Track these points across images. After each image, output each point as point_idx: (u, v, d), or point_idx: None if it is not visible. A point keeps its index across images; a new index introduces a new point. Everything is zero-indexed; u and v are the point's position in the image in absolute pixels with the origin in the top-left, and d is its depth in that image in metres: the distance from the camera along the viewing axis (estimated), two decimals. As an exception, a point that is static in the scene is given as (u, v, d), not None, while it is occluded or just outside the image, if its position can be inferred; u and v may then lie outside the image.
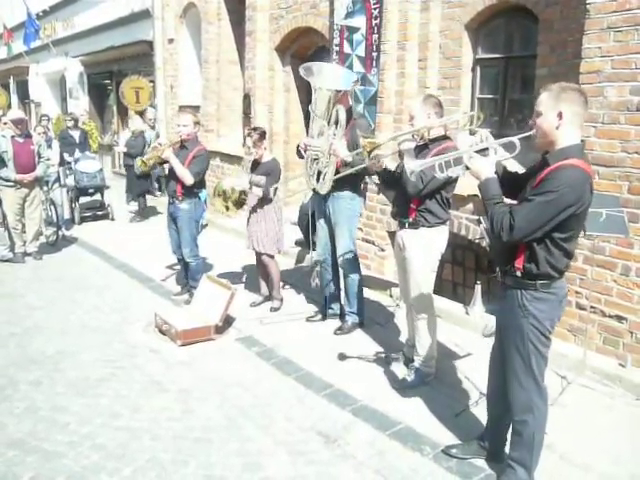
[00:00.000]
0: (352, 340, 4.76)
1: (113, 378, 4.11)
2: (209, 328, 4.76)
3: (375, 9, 6.18)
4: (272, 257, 5.37)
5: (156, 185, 10.97)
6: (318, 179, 4.47)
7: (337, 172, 4.36)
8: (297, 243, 7.22)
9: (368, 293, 5.20)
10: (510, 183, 2.79)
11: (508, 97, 5.61)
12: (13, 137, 6.70)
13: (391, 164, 4.10)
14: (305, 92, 8.24)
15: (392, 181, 3.89)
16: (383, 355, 4.37)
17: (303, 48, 8.36)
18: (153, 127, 11.09)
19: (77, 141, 10.73)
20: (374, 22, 6.22)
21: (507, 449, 2.99)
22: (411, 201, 3.78)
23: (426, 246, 3.81)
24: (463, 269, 5.99)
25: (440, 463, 3.13)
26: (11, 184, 6.72)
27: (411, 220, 3.81)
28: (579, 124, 2.58)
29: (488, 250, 5.25)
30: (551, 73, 4.82)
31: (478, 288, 5.10)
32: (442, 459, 3.16)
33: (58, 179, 9.11)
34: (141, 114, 11.65)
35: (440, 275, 5.48)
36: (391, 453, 3.24)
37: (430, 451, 3.23)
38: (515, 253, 2.63)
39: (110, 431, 3.44)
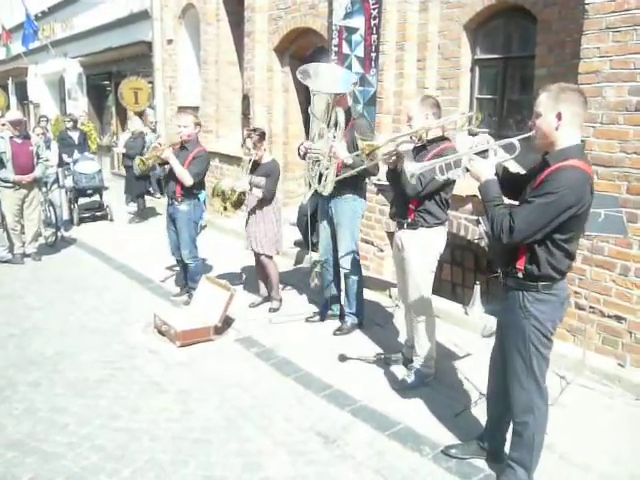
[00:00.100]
0: (351, 341, 4.76)
1: (112, 379, 4.11)
2: (208, 329, 4.76)
3: (374, 9, 6.18)
4: (271, 258, 5.38)
5: (156, 187, 10.95)
6: (320, 181, 4.47)
7: (339, 174, 4.36)
8: (296, 244, 7.22)
9: (367, 293, 5.21)
10: (510, 184, 2.79)
11: (507, 97, 5.61)
12: (12, 138, 6.70)
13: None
14: (304, 93, 8.23)
15: (397, 180, 3.88)
16: (382, 356, 4.37)
17: (302, 49, 8.37)
18: (154, 130, 11.08)
19: (76, 142, 10.72)
20: (373, 22, 6.23)
21: (507, 449, 2.99)
22: (410, 202, 3.78)
23: (425, 246, 3.81)
24: (462, 269, 5.99)
25: (439, 463, 3.13)
26: (10, 185, 6.71)
27: (410, 221, 3.81)
28: (579, 124, 2.58)
29: (487, 250, 5.26)
30: (550, 73, 4.82)
31: (477, 288, 5.10)
32: (441, 459, 3.16)
33: (57, 180, 9.10)
34: (140, 115, 11.65)
35: (439, 275, 5.49)
36: (390, 453, 3.24)
37: (429, 451, 3.23)
38: (516, 254, 2.63)
39: (109, 432, 3.43)
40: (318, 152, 4.40)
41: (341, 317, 5.05)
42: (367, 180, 4.88)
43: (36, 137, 7.93)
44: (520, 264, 2.61)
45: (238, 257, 6.69)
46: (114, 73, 14.17)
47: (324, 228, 4.91)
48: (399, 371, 4.16)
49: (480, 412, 3.47)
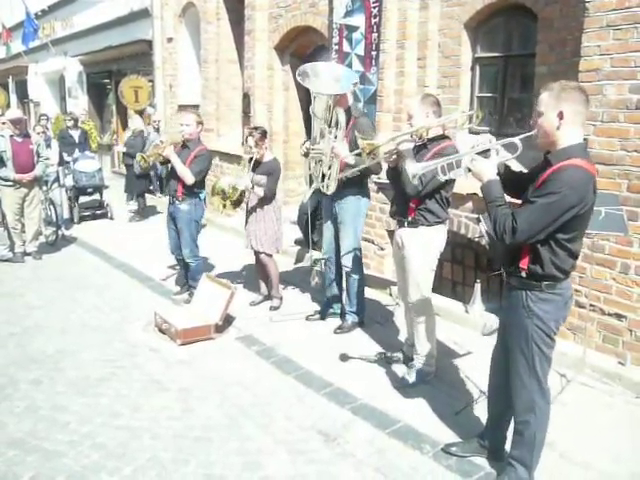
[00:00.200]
0: (352, 339, 4.76)
1: (113, 377, 4.11)
2: (209, 327, 4.76)
3: (374, 8, 6.18)
4: (270, 256, 5.38)
5: (157, 185, 10.94)
6: (323, 180, 4.48)
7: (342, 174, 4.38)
8: (297, 242, 7.22)
9: (368, 292, 5.20)
10: (512, 183, 2.78)
11: (507, 96, 5.60)
12: (12, 137, 6.70)
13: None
14: (304, 91, 8.19)
15: (397, 178, 3.88)
16: (383, 355, 4.37)
17: (302, 47, 8.36)
18: (158, 129, 11.07)
19: (77, 141, 10.71)
20: (373, 21, 6.22)
21: (507, 447, 2.99)
22: (410, 200, 3.77)
23: (425, 245, 3.81)
24: (462, 268, 5.99)
25: (440, 461, 3.13)
26: (10, 184, 6.72)
27: (410, 219, 3.81)
28: (581, 123, 2.56)
29: (487, 249, 5.26)
30: (550, 71, 4.82)
31: (477, 287, 5.10)
32: (442, 457, 3.16)
33: (57, 179, 9.10)
34: (141, 113, 11.64)
35: (439, 274, 5.49)
36: (391, 451, 3.24)
37: (430, 449, 3.23)
38: (520, 254, 2.61)
39: (110, 430, 3.44)
40: (320, 152, 4.40)
41: (342, 315, 5.05)
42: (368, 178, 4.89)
43: (36, 136, 7.94)
44: (523, 264, 2.60)
45: (238, 255, 6.69)
46: (114, 71, 14.17)
47: (328, 227, 4.92)
48: (399, 369, 4.16)
49: (481, 410, 3.48)
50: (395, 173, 3.76)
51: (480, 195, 2.74)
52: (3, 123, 6.81)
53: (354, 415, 3.60)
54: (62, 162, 9.85)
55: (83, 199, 9.55)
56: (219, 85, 10.03)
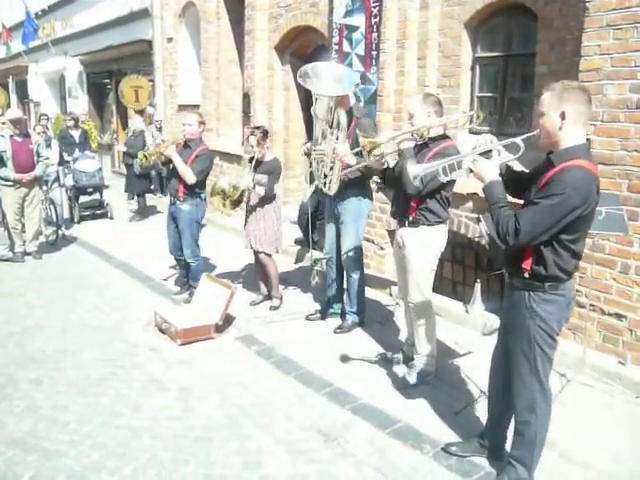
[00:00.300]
0: (352, 339, 4.76)
1: (113, 377, 4.11)
2: (209, 327, 4.76)
3: (374, 7, 6.17)
4: (270, 256, 5.37)
5: (158, 185, 10.94)
6: (325, 181, 4.48)
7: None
8: (297, 242, 7.22)
9: (368, 292, 5.20)
10: (514, 183, 2.77)
11: (507, 95, 5.60)
12: (12, 136, 6.70)
13: (392, 163, 4.10)
14: (304, 91, 8.21)
15: (393, 180, 3.89)
16: (383, 355, 4.36)
17: (302, 47, 8.36)
18: (160, 129, 11.06)
19: (77, 141, 10.72)
20: (373, 20, 6.22)
21: (507, 447, 2.99)
22: (411, 200, 3.77)
23: (426, 244, 3.81)
24: (463, 267, 5.99)
25: (440, 461, 3.13)
26: (10, 183, 6.72)
27: (411, 219, 3.81)
28: (583, 123, 2.54)
29: (487, 248, 5.26)
30: (550, 71, 4.82)
31: (478, 286, 5.10)
32: (442, 457, 3.16)
33: (57, 178, 9.11)
34: (141, 113, 11.64)
35: (440, 273, 5.49)
36: (391, 451, 3.24)
37: (430, 449, 3.23)
38: (522, 255, 2.60)
39: (110, 430, 3.44)
40: (322, 153, 4.40)
41: (342, 315, 5.05)
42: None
43: (36, 135, 7.93)
44: (526, 264, 2.59)
45: (238, 255, 6.69)
46: (114, 71, 14.16)
47: (330, 228, 4.92)
48: (400, 369, 4.16)
49: (481, 410, 3.48)
50: (390, 173, 3.78)
51: (480, 195, 2.73)
52: (3, 123, 6.82)
53: (354, 415, 3.60)
54: (62, 162, 9.85)
55: (83, 199, 9.55)
56: (219, 85, 10.03)
